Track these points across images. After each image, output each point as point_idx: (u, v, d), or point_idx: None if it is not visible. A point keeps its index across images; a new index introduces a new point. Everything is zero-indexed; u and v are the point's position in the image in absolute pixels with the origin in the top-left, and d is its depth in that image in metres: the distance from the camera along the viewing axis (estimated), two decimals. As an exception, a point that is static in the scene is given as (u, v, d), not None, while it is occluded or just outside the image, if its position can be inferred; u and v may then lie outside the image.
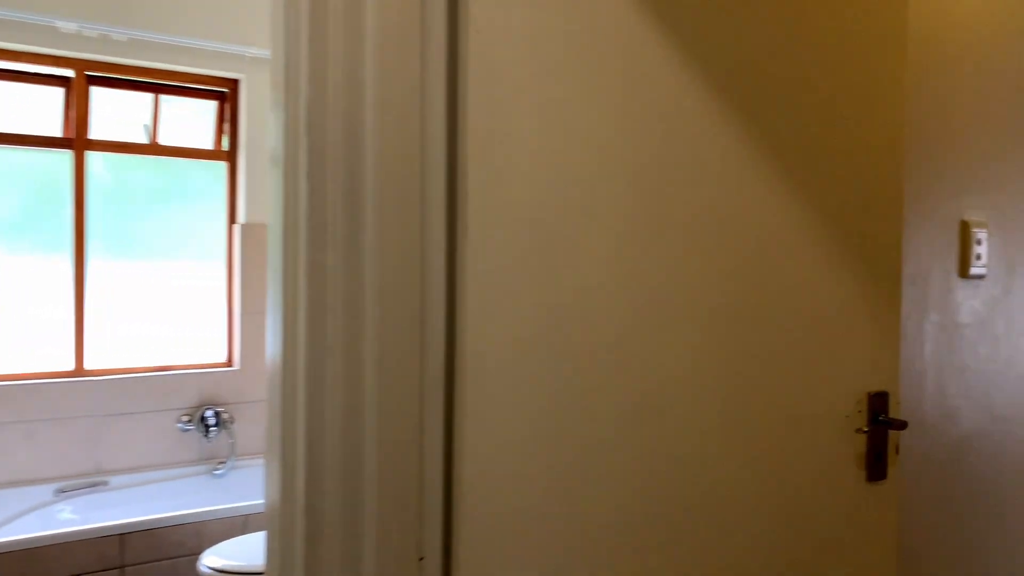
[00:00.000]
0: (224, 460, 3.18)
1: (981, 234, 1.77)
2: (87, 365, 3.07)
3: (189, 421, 3.13)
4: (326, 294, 1.04)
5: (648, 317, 1.17)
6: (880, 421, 1.37)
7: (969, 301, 1.77)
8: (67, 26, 2.90)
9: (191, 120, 3.38)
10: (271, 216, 1.07)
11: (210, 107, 3.39)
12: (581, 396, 1.12)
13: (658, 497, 1.18)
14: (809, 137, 1.32)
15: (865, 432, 1.35)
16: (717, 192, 1.23)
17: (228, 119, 3.37)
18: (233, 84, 3.35)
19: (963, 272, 1.75)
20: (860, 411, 1.38)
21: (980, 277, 1.79)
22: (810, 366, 1.33)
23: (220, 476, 3.14)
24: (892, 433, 1.39)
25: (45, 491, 2.83)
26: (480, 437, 1.05)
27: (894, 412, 1.40)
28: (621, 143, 1.14)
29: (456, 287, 1.05)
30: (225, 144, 3.39)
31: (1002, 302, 1.83)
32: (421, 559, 1.06)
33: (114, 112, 3.20)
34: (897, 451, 1.41)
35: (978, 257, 1.77)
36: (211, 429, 3.14)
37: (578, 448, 1.12)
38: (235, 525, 2.69)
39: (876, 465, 1.38)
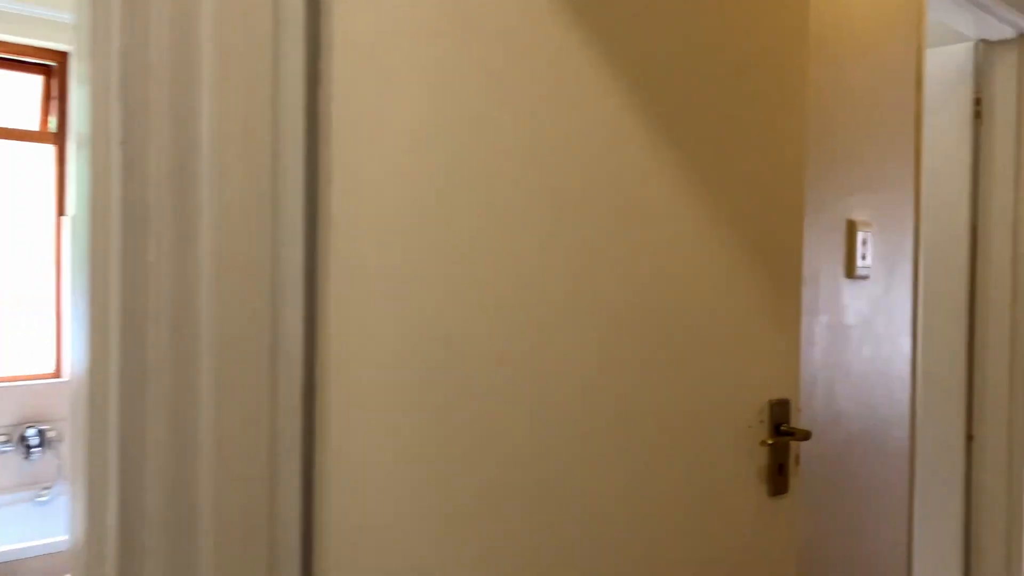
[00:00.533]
0: (50, 485, 2.78)
1: (866, 234, 1.75)
2: None
3: (7, 441, 2.72)
4: (147, 298, 0.81)
5: (542, 322, 1.02)
6: (783, 432, 1.29)
7: (855, 302, 1.74)
8: None
9: (12, 97, 2.94)
10: (75, 202, 0.84)
11: (35, 82, 2.96)
12: (463, 416, 0.95)
13: (546, 521, 1.03)
14: (713, 133, 1.21)
15: (770, 444, 1.26)
16: (618, 190, 1.09)
17: (56, 97, 2.96)
18: (61, 57, 2.94)
19: (849, 272, 1.72)
20: (762, 420, 1.29)
21: (864, 277, 1.77)
22: (712, 374, 1.22)
23: (45, 503, 2.74)
24: (793, 443, 1.32)
25: None
26: (347, 472, 0.86)
27: (794, 420, 1.32)
28: (511, 130, 0.98)
29: (317, 289, 0.86)
30: (52, 125, 2.97)
31: (883, 302, 1.83)
32: (272, 626, 0.86)
33: (-90, 82, 2.72)
34: (798, 461, 1.34)
35: (863, 257, 1.74)
36: (33, 449, 2.73)
37: (459, 478, 0.95)
38: (60, 562, 2.33)
39: (778, 479, 1.30)
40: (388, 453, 0.89)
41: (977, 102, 2.55)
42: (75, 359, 0.84)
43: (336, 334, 0.84)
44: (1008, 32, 2.43)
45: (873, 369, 1.80)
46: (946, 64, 2.60)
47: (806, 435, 1.26)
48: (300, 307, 0.86)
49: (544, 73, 1.01)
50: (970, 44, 2.55)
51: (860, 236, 1.73)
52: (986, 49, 2.53)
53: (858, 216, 1.74)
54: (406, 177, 0.89)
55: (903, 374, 1.89)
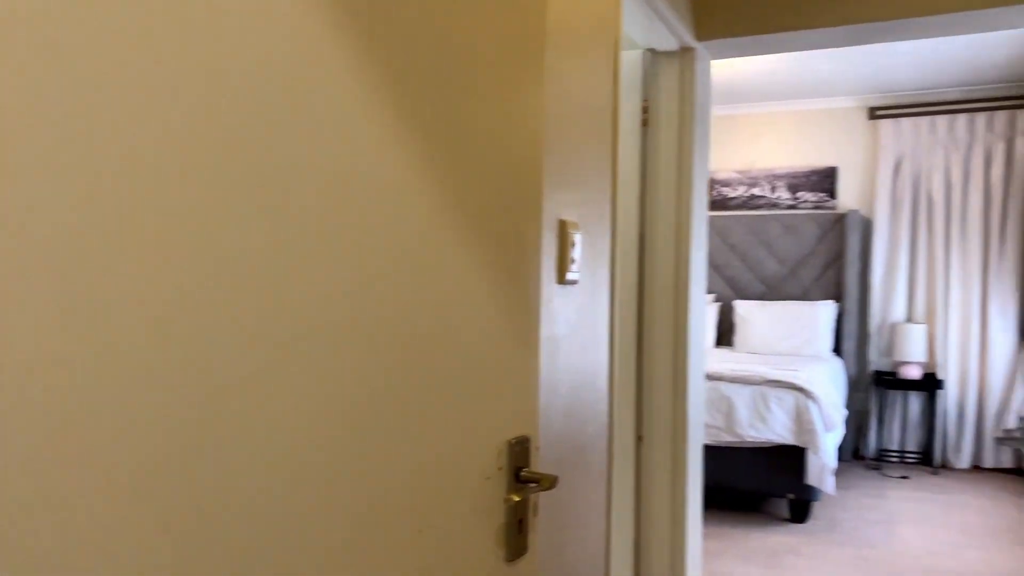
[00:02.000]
0: None
1: (575, 235, 1.58)
2: None
3: None
4: None
5: (242, 346, 0.61)
6: (524, 479, 1.02)
7: (565, 310, 1.57)
8: None
9: None
10: None
11: None
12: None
13: None
14: (446, 126, 0.89)
15: (515, 501, 0.98)
16: (341, 190, 0.72)
17: None
18: None
19: (561, 278, 1.54)
20: (500, 467, 1.01)
21: (573, 283, 1.60)
22: (441, 417, 0.91)
23: None
24: (530, 487, 1.06)
25: None
26: None
27: (534, 461, 1.07)
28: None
29: None
30: None
31: (588, 309, 1.69)
32: None
33: None
34: (536, 511, 1.09)
35: (573, 261, 1.58)
36: None
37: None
38: None
39: (517, 538, 1.03)
40: None
41: (645, 110, 2.62)
42: None
43: None
44: (673, 44, 2.52)
45: (581, 383, 1.65)
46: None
47: (552, 482, 1.01)
48: None
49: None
50: (639, 52, 2.61)
51: (571, 237, 1.56)
52: (653, 58, 2.61)
53: (568, 216, 1.57)
54: None
55: (603, 386, 1.78)
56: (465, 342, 0.94)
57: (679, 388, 2.57)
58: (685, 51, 2.57)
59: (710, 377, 4.21)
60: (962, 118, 5.18)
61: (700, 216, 2.63)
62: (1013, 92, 5.10)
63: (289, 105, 0.70)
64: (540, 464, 1.28)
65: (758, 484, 4.12)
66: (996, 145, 5.10)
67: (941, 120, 5.24)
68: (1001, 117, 5.09)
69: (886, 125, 5.39)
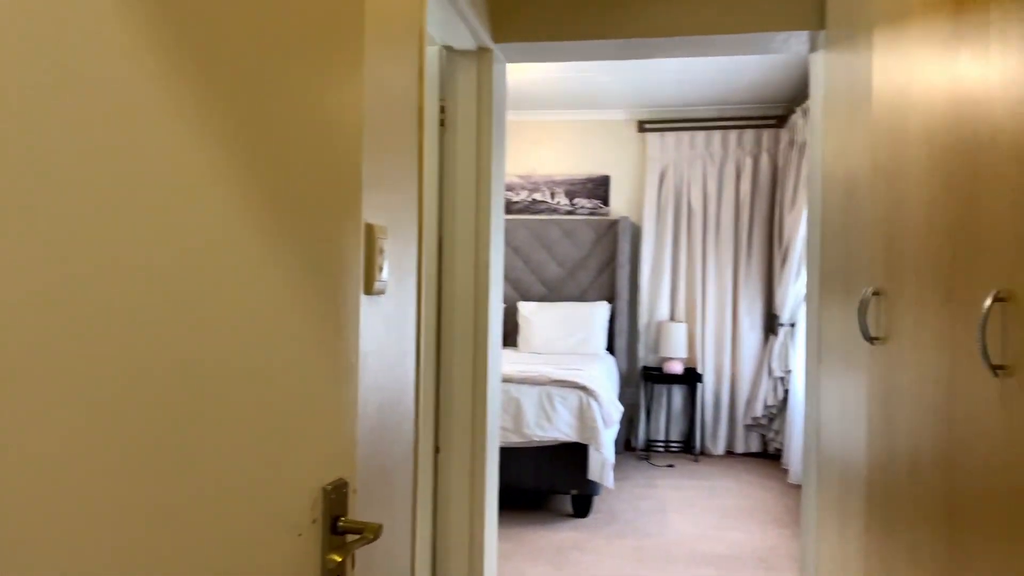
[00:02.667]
0: None
1: (383, 241, 1.44)
2: None
3: None
4: None
5: None
6: (342, 530, 0.88)
7: (372, 322, 1.43)
8: None
9: None
10: None
11: None
12: None
13: None
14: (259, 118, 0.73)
15: (336, 563, 0.83)
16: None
17: None
18: None
19: (368, 288, 1.39)
20: (315, 520, 0.85)
21: (381, 293, 1.46)
22: (243, 462, 0.74)
23: None
24: (350, 539, 0.91)
25: None
26: None
27: (353, 506, 0.92)
28: None
29: None
30: None
31: (395, 320, 1.56)
32: None
33: None
34: (354, 563, 0.94)
35: (381, 269, 1.44)
36: None
37: None
38: None
39: (335, 598, 0.88)
40: None
41: (442, 110, 2.52)
42: None
43: None
44: (471, 43, 2.45)
45: (389, 401, 1.51)
46: (413, 65, 2.51)
47: (376, 531, 0.87)
48: None
49: None
50: (436, 49, 2.51)
51: (379, 244, 1.42)
52: (450, 56, 2.52)
53: (376, 219, 1.43)
54: None
55: (410, 402, 1.66)
56: (266, 371, 0.78)
57: (479, 395, 2.51)
58: (483, 51, 2.51)
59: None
60: (717, 135, 5.68)
61: (498, 220, 2.59)
62: (758, 113, 5.69)
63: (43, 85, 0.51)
64: (357, 507, 1.13)
65: (543, 482, 4.21)
66: (745, 161, 5.65)
67: (700, 135, 5.71)
68: (749, 135, 5.65)
69: (653, 138, 5.78)
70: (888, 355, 1.66)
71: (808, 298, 2.54)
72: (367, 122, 1.35)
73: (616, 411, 4.33)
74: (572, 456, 4.17)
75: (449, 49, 2.51)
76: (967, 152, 1.25)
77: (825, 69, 2.40)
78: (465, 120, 2.49)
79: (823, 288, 2.34)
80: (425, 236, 2.43)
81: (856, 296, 1.92)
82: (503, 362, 4.81)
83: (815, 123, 2.52)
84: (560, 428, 4.10)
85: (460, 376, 2.50)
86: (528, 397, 4.16)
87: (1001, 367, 1.09)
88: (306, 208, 0.86)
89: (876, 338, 1.72)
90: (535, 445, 4.16)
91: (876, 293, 1.72)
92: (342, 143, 1.01)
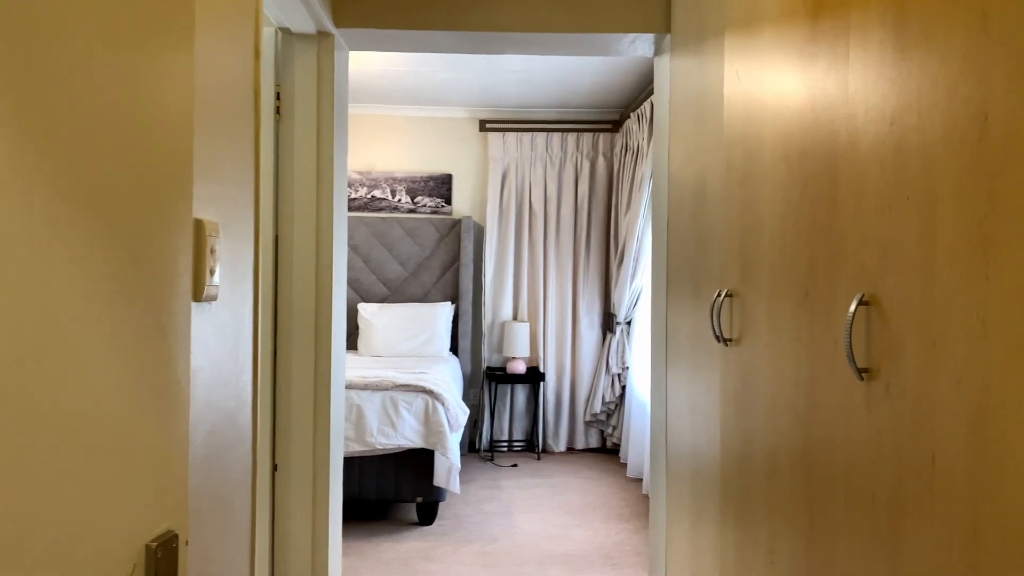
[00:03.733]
0: None
1: (215, 240, 1.26)
2: None
3: None
4: None
5: None
6: (171, 594, 0.72)
7: (203, 333, 1.24)
8: None
9: None
10: None
11: None
12: None
13: None
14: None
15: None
16: None
17: None
18: None
19: (198, 294, 1.21)
20: (136, 588, 0.69)
21: (213, 299, 1.28)
22: (33, 524, 0.57)
23: None
24: (181, 603, 0.75)
25: None
26: None
27: (184, 563, 0.76)
28: None
29: None
30: None
31: (229, 330, 1.37)
32: None
33: None
34: (186, 630, 0.78)
35: (212, 272, 1.25)
36: None
37: None
38: None
39: None
40: None
41: (277, 96, 2.32)
42: None
43: None
44: (311, 26, 2.26)
45: (223, 423, 1.32)
46: (246, 47, 2.28)
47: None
48: None
49: None
50: (272, 30, 2.30)
51: (210, 243, 1.23)
52: (287, 40, 2.32)
53: (206, 215, 1.24)
54: None
55: (247, 421, 1.48)
56: (63, 407, 0.61)
57: (321, 406, 2.33)
58: (324, 36, 2.33)
59: (339, 386, 4.03)
60: (556, 137, 5.76)
61: (341, 218, 2.42)
62: (595, 117, 5.83)
63: None
64: (191, 561, 0.95)
65: (388, 492, 4.05)
66: (583, 163, 5.77)
67: (540, 137, 5.76)
68: (586, 139, 5.77)
69: (495, 138, 5.76)
70: (741, 356, 1.68)
71: (654, 298, 2.57)
72: (198, 106, 1.16)
73: (463, 414, 4.26)
74: (417, 463, 4.04)
75: (286, 32, 2.31)
76: (825, 157, 1.26)
77: (672, 73, 2.43)
78: (304, 109, 2.31)
79: (671, 289, 2.37)
80: (261, 234, 2.22)
81: (707, 297, 1.95)
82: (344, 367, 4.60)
83: (660, 126, 2.56)
84: (405, 435, 3.96)
85: (300, 386, 2.31)
86: (371, 404, 3.98)
87: (866, 370, 1.10)
88: (121, 200, 0.69)
89: (729, 339, 1.75)
90: (378, 453, 4.00)
91: (730, 295, 1.74)
92: (169, 127, 0.84)
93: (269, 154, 2.26)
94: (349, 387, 4.02)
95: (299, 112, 2.30)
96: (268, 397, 2.26)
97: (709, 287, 1.96)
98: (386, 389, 4.03)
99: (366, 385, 4.03)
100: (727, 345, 1.75)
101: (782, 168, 1.45)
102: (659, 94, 2.58)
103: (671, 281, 2.37)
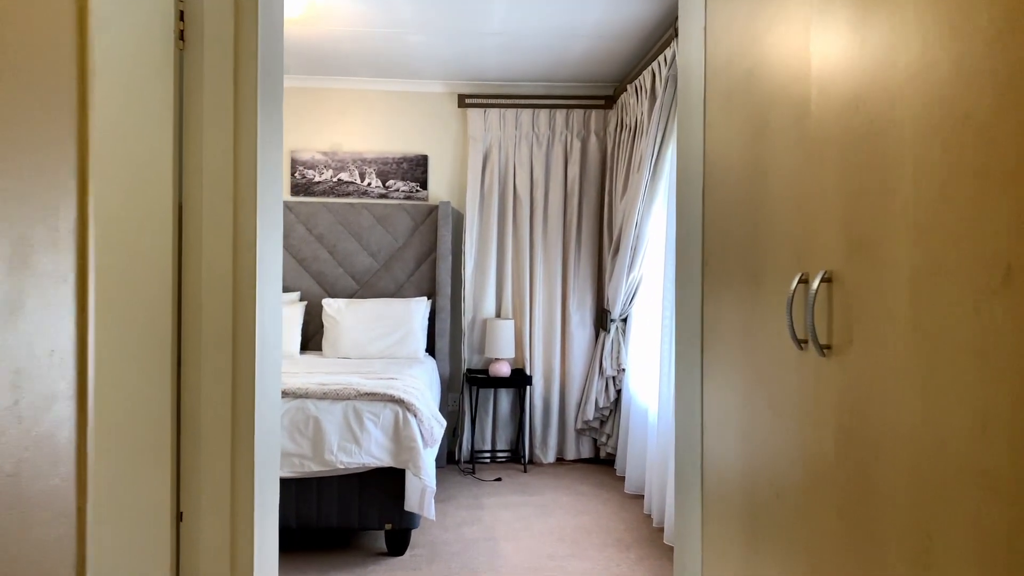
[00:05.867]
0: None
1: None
2: None
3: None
4: None
5: None
6: None
7: None
8: None
9: None
10: None
11: None
12: None
13: None
14: None
15: None
16: None
17: None
18: None
19: None
20: None
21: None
22: None
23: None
24: None
25: None
26: None
27: None
28: None
29: None
30: None
31: (24, 339, 0.80)
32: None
33: None
34: None
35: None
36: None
37: None
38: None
39: None
40: None
41: (181, 17, 1.73)
42: None
43: None
44: (225, -79, 1.67)
45: (8, 492, 0.75)
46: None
47: None
48: None
49: None
50: (172, -73, 1.71)
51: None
52: (195, -58, 1.73)
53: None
54: None
55: (68, 471, 0.90)
56: None
57: (241, 430, 1.75)
58: (245, -63, 1.75)
59: (293, 395, 3.44)
60: (544, 113, 5.19)
61: (273, 181, 1.84)
62: (586, 92, 5.26)
63: None
64: None
65: (351, 518, 3.47)
66: (573, 143, 5.21)
67: (525, 114, 5.19)
68: (577, 115, 5.21)
69: (475, 115, 5.18)
70: (849, 370, 1.12)
71: (678, 290, 2.01)
72: None
73: (438, 426, 3.68)
74: (386, 484, 3.47)
75: (193, -70, 1.72)
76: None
77: (709, 16, 1.87)
78: (217, 35, 1.72)
79: (708, 279, 1.81)
80: (148, 209, 1.63)
81: (772, 287, 1.40)
82: (301, 372, 3.99)
83: (689, 88, 2.00)
84: (371, 452, 3.38)
85: (212, 405, 1.73)
86: (330, 415, 3.40)
87: None
88: None
89: (826, 346, 1.19)
90: (340, 474, 3.42)
91: (827, 280, 1.18)
92: None
93: (167, 93, 1.67)
94: (305, 396, 3.44)
95: (211, 40, 1.72)
96: (167, 422, 1.68)
97: (775, 274, 1.40)
98: (348, 398, 3.44)
99: (324, 394, 3.44)
100: (823, 354, 1.19)
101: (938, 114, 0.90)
102: (686, 44, 2.02)
103: (709, 269, 1.81)
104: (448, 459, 5.13)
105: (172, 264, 1.71)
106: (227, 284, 1.75)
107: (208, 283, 1.74)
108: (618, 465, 4.83)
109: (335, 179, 5.25)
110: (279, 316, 1.91)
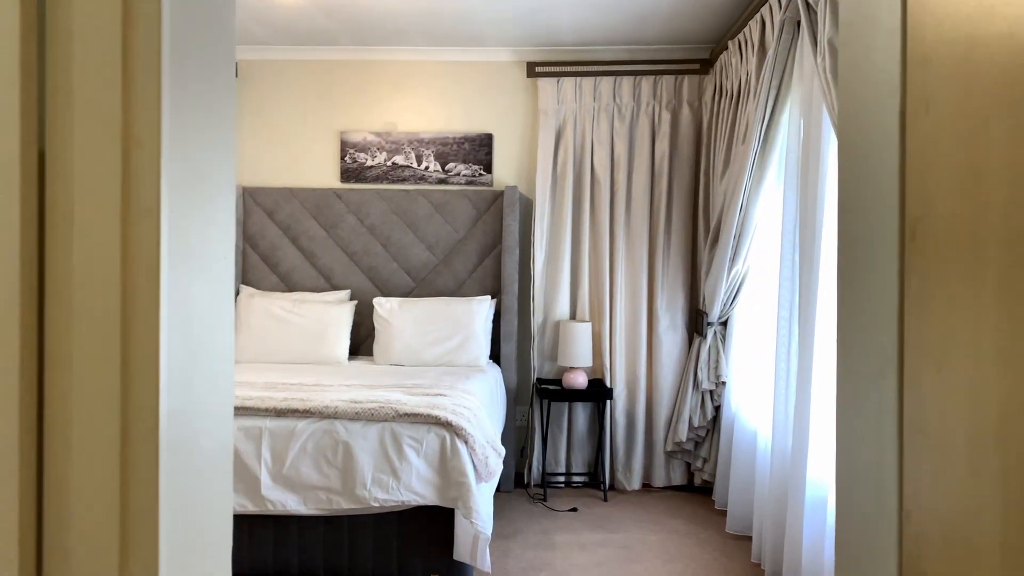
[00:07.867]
0: None
1: None
2: None
3: None
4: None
5: None
6: None
7: None
8: None
9: None
10: None
11: None
12: None
13: None
14: None
15: None
16: None
17: None
18: None
19: None
20: None
21: None
22: None
23: None
24: None
25: None
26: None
27: None
28: None
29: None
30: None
31: None
32: None
33: None
34: None
35: None
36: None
37: None
38: None
39: None
40: None
41: None
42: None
43: None
44: None
45: None
46: None
47: None
48: None
49: None
50: None
51: None
52: None
53: None
54: None
55: None
56: None
57: (139, 483, 1.10)
58: None
59: (319, 415, 2.83)
60: (627, 81, 4.45)
61: (204, 110, 1.19)
62: (677, 55, 4.49)
63: None
64: None
65: (388, 564, 2.84)
66: (662, 115, 4.44)
67: (605, 82, 4.46)
68: (666, 83, 4.44)
69: (546, 85, 4.49)
70: None
71: (849, 286, 1.27)
72: None
73: (496, 457, 3.00)
74: (431, 525, 2.82)
75: None
76: None
77: None
78: None
79: (916, 265, 1.06)
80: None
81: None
82: (334, 386, 3.35)
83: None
84: (411, 487, 2.74)
85: (86, 442, 1.08)
86: (363, 441, 2.78)
87: None
88: None
89: None
90: (375, 512, 2.79)
91: None
92: None
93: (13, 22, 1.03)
94: (333, 417, 2.82)
95: None
96: (19, 493, 1.04)
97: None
98: (385, 420, 2.81)
99: (357, 414, 2.82)
100: None
101: None
102: None
103: (918, 247, 1.05)
104: (516, 482, 4.46)
105: (25, 242, 1.05)
106: (113, 263, 1.09)
107: (81, 270, 1.08)
108: (717, 497, 4.05)
109: (389, 163, 4.65)
110: (226, 318, 1.24)
